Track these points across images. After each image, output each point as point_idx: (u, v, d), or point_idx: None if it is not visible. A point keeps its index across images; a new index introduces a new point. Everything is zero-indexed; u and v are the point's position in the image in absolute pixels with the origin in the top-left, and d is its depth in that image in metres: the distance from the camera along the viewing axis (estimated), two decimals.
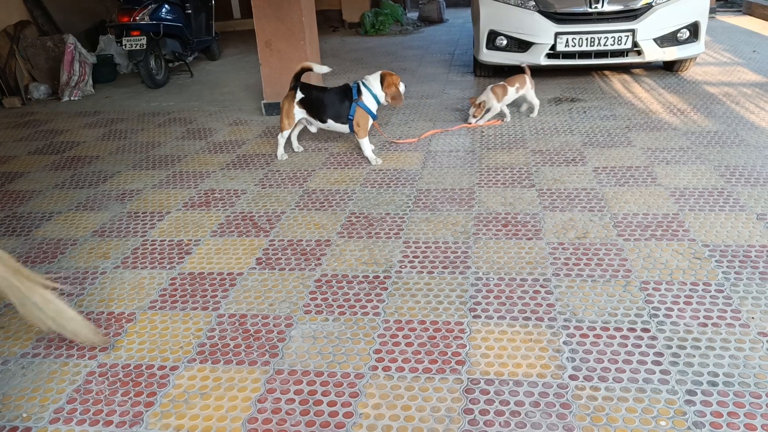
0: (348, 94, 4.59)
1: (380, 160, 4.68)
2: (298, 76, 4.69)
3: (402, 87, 4.68)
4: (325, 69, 4.77)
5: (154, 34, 7.71)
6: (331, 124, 4.69)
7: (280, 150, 4.89)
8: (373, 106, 4.60)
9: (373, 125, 4.72)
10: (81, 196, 4.40)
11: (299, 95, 4.68)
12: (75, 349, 2.65)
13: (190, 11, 8.54)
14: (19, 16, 8.12)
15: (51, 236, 3.78)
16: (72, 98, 7.69)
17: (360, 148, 4.79)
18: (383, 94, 4.59)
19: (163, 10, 7.85)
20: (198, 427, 2.17)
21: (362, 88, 4.58)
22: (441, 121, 5.63)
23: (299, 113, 4.74)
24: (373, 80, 4.61)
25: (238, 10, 13.48)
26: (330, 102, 4.63)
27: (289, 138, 4.98)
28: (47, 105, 7.51)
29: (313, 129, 4.95)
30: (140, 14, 7.51)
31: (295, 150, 5.05)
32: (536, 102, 5.59)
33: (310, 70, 4.69)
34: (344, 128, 4.68)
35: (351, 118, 4.57)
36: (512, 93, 5.41)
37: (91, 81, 8.08)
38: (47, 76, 7.98)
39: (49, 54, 7.95)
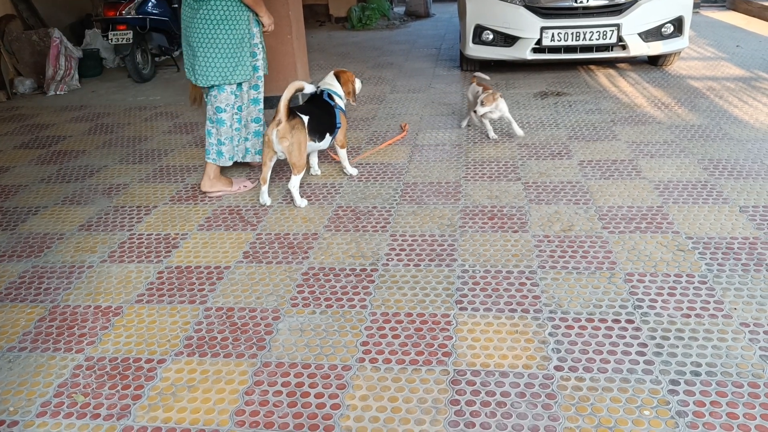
0: (327, 103, 4.05)
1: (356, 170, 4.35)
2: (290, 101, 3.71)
3: (358, 85, 4.34)
4: (312, 87, 4.01)
5: (141, 28, 7.67)
6: (327, 141, 4.06)
7: (298, 197, 3.87)
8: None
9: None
10: (67, 191, 4.38)
11: (305, 118, 3.79)
12: (62, 342, 2.65)
13: (176, 5, 8.49)
14: (4, 11, 8.04)
15: (37, 231, 3.77)
16: (58, 93, 7.64)
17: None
18: (343, 93, 4.22)
19: (150, 4, 7.80)
20: (185, 419, 2.18)
21: (332, 94, 4.11)
22: (428, 115, 5.64)
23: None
24: (334, 82, 4.18)
25: None
26: (321, 115, 3.97)
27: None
28: (33, 99, 7.45)
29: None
30: (126, 8, 7.47)
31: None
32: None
33: (302, 90, 3.85)
34: (327, 143, 4.08)
35: (338, 126, 4.09)
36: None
37: (77, 75, 8.01)
38: (33, 70, 7.91)
39: (34, 48, 7.88)
